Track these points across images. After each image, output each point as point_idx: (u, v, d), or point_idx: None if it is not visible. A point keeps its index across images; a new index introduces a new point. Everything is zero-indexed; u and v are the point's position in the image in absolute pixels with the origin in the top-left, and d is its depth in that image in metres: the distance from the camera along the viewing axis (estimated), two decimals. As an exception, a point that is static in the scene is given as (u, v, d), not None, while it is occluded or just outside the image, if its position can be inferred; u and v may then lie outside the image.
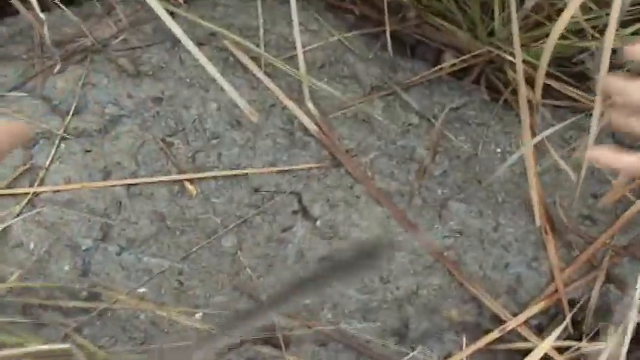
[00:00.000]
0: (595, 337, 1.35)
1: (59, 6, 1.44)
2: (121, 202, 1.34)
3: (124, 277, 1.30)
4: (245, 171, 1.38)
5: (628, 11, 1.32)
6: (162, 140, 1.39)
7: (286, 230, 1.35)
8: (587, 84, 1.53)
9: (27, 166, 1.34)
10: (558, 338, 1.28)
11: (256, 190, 1.37)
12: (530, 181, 1.39)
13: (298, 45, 1.43)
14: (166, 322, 1.28)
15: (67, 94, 1.41)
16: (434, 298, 1.34)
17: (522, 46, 1.32)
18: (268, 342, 1.30)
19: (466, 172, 1.43)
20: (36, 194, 1.33)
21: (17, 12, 1.42)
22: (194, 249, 1.32)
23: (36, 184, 1.33)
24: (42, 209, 1.32)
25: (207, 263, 1.32)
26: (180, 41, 1.25)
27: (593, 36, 1.42)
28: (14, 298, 1.25)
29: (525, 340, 1.33)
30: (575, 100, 1.51)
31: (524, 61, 1.33)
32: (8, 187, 1.32)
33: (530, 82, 1.41)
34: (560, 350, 1.30)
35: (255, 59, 1.46)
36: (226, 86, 1.26)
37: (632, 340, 1.18)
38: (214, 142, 1.40)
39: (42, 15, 1.37)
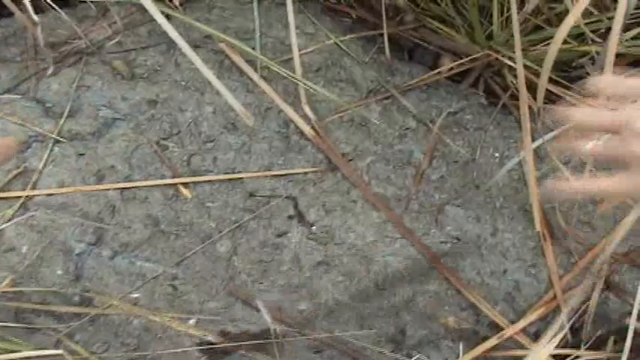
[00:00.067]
0: (594, 344, 1.34)
1: (53, 8, 1.43)
2: (114, 206, 1.33)
3: (117, 281, 1.29)
4: (240, 175, 1.37)
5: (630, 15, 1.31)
6: (157, 143, 1.38)
7: (282, 235, 1.34)
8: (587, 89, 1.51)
9: (20, 169, 1.33)
10: (557, 346, 1.27)
11: (251, 195, 1.36)
12: (530, 187, 1.38)
13: (294, 48, 1.42)
14: (160, 328, 1.26)
15: (61, 97, 1.40)
16: (430, 305, 1.32)
17: (521, 50, 1.30)
18: (263, 348, 1.28)
19: (464, 176, 1.41)
20: (29, 198, 1.31)
21: (11, 14, 1.41)
22: (188, 254, 1.31)
23: (29, 187, 1.32)
24: (35, 213, 1.30)
25: (201, 268, 1.31)
26: (175, 44, 1.23)
27: (593, 40, 1.41)
28: (6, 303, 1.24)
29: (523, 347, 1.31)
30: (574, 104, 1.49)
31: (523, 66, 1.32)
32: (1, 190, 1.31)
33: (529, 86, 1.40)
34: (559, 358, 1.29)
35: (251, 62, 1.45)
36: (222, 89, 1.25)
37: (631, 349, 1.17)
38: (209, 145, 1.39)
39: (35, 17, 1.36)
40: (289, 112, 1.42)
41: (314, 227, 1.35)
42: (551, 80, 1.48)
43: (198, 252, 1.32)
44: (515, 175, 1.42)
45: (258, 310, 1.28)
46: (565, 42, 1.44)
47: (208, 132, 1.40)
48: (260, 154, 1.39)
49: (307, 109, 1.42)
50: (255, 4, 1.51)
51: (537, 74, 1.46)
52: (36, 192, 1.32)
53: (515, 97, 1.51)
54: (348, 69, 1.50)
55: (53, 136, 1.36)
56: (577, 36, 1.45)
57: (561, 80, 1.50)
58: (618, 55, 1.30)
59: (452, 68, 1.53)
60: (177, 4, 1.48)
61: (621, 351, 1.20)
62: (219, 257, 1.32)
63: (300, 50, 1.44)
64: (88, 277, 1.28)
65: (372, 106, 1.46)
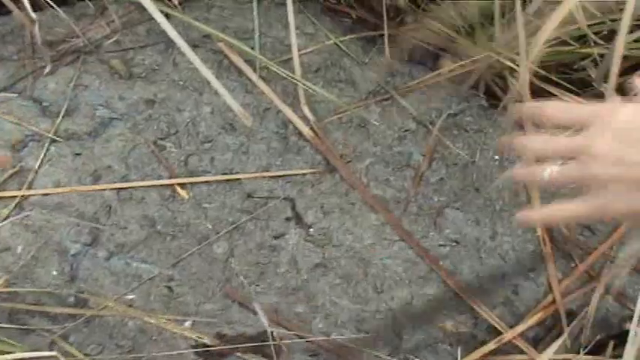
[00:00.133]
0: (593, 349, 1.33)
1: (51, 6, 1.42)
2: (110, 207, 1.32)
3: (113, 282, 1.28)
4: (238, 176, 1.36)
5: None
6: (154, 144, 1.37)
7: (279, 237, 1.33)
8: (589, 91, 1.50)
9: (16, 168, 1.32)
10: (556, 351, 1.26)
11: (249, 196, 1.35)
12: (530, 190, 1.37)
13: (294, 48, 1.41)
14: (155, 330, 1.25)
15: (58, 96, 1.40)
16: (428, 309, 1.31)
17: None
18: (259, 351, 1.27)
19: (463, 179, 1.40)
20: (24, 197, 1.30)
21: (9, 12, 1.40)
22: (185, 255, 1.30)
23: (24, 187, 1.31)
24: (30, 213, 1.29)
25: (197, 270, 1.30)
26: (174, 43, 1.22)
27: (595, 42, 1.40)
28: (0, 304, 1.23)
29: (522, 352, 1.30)
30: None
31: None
32: (-4, 189, 1.30)
33: (530, 88, 1.39)
34: (558, 363, 1.29)
35: (250, 62, 1.45)
36: (220, 89, 1.24)
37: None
38: (207, 145, 1.38)
39: (34, 14, 1.35)
40: (288, 112, 1.41)
41: (312, 229, 1.34)
42: (552, 82, 1.48)
43: (194, 253, 1.31)
44: (515, 178, 1.41)
45: (254, 313, 1.27)
46: (567, 44, 1.43)
47: (206, 132, 1.39)
48: (258, 154, 1.38)
49: (306, 110, 1.41)
50: (254, 3, 1.50)
51: (538, 76, 1.45)
52: (32, 192, 1.31)
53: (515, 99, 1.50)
54: (348, 70, 1.49)
55: (50, 135, 1.35)
56: (579, 38, 1.44)
57: (563, 82, 1.49)
58: (623, 58, 1.29)
59: (452, 70, 1.52)
60: (176, 3, 1.47)
61: (621, 356, 1.18)
62: (215, 259, 1.31)
63: (299, 50, 1.43)
64: (83, 277, 1.27)
65: (371, 107, 1.45)
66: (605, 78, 1.35)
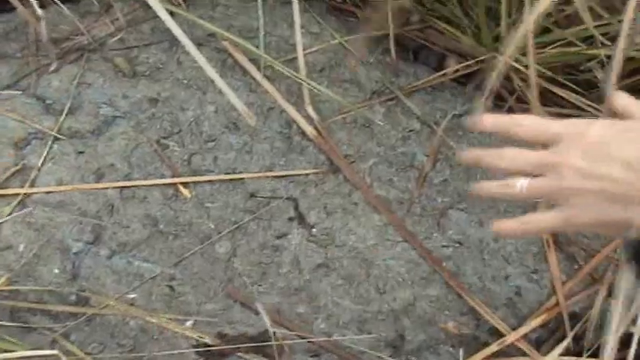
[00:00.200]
0: (596, 352, 1.32)
1: (56, 3, 1.42)
2: (113, 205, 1.32)
3: (114, 281, 1.28)
4: (241, 175, 1.36)
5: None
6: (157, 142, 1.37)
7: (282, 237, 1.33)
8: (595, 92, 1.50)
9: (18, 166, 1.32)
10: (559, 353, 1.26)
11: (252, 195, 1.35)
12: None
13: (299, 47, 1.41)
14: (156, 329, 1.25)
15: (62, 94, 1.40)
16: (431, 310, 1.31)
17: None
18: (260, 351, 1.27)
19: (467, 180, 1.40)
20: (27, 195, 1.31)
21: (13, 8, 1.40)
22: (187, 254, 1.30)
23: (27, 185, 1.31)
24: (32, 211, 1.29)
25: (199, 269, 1.30)
26: (178, 41, 1.22)
27: (602, 43, 1.39)
28: (2, 302, 1.23)
29: (524, 354, 1.30)
30: (581, 109, 1.48)
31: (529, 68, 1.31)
32: (-2, 187, 1.30)
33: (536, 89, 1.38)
34: (560, 365, 1.28)
35: (255, 61, 1.44)
36: (224, 88, 1.24)
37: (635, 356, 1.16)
38: (210, 145, 1.38)
39: (40, 11, 1.35)
40: (292, 112, 1.41)
41: (314, 229, 1.34)
42: (558, 83, 1.47)
43: (196, 253, 1.31)
44: (519, 179, 1.41)
45: (256, 313, 1.27)
46: (573, 45, 1.42)
47: (209, 131, 1.39)
48: (261, 154, 1.38)
49: (310, 110, 1.41)
50: (259, 2, 1.50)
51: (544, 77, 1.45)
52: (34, 189, 1.31)
53: (521, 100, 1.49)
54: (353, 69, 1.49)
55: (53, 133, 1.35)
56: (585, 39, 1.43)
57: (569, 84, 1.48)
58: (628, 59, 1.28)
59: (457, 70, 1.52)
60: (180, 1, 1.47)
61: (624, 359, 1.18)
62: (218, 258, 1.31)
63: (304, 50, 1.42)
64: (85, 276, 1.27)
65: (375, 107, 1.45)
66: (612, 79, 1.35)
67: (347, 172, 1.37)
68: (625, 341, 1.18)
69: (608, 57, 1.42)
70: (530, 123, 0.89)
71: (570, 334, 1.31)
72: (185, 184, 1.34)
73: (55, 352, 1.14)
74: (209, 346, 1.25)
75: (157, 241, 1.30)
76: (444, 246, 1.35)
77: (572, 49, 1.43)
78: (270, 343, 1.25)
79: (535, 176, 0.86)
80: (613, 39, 1.40)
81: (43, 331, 1.24)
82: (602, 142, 0.81)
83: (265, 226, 1.33)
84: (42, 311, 1.25)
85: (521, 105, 1.46)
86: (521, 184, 0.86)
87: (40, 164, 1.33)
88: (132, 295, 1.27)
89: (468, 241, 1.36)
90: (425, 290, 1.31)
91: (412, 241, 1.34)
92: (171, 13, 1.31)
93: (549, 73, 1.45)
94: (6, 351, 1.15)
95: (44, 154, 1.33)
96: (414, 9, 1.55)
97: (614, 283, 1.35)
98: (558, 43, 1.45)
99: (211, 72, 1.23)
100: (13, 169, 1.31)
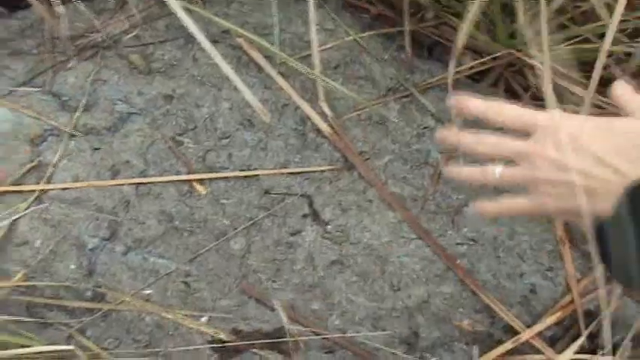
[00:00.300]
0: (610, 350, 1.32)
1: (72, 0, 1.42)
2: (129, 202, 1.32)
3: (130, 277, 1.28)
4: (256, 172, 1.36)
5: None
6: (172, 139, 1.37)
7: (296, 234, 1.33)
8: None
9: (34, 163, 1.33)
10: (574, 351, 1.26)
11: (266, 192, 1.35)
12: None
13: (314, 44, 1.41)
14: (172, 325, 1.26)
15: (77, 91, 1.40)
16: (445, 307, 1.31)
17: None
18: (275, 347, 1.27)
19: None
20: (43, 192, 1.31)
21: (28, 5, 1.40)
22: (202, 251, 1.31)
23: (43, 181, 1.31)
24: (49, 207, 1.30)
25: (214, 265, 1.30)
26: (193, 38, 1.22)
27: (620, 40, 1.39)
28: (19, 297, 1.24)
29: (539, 352, 1.30)
30: (598, 106, 1.47)
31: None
32: (15, 184, 1.31)
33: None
34: (575, 364, 1.28)
35: (269, 58, 1.44)
36: (240, 85, 1.23)
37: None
38: (225, 141, 1.38)
39: (61, 8, 1.35)
40: (306, 109, 1.41)
41: (329, 226, 1.34)
42: (574, 80, 1.46)
43: (211, 249, 1.31)
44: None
45: (271, 309, 1.27)
46: (590, 41, 1.42)
47: (224, 128, 1.39)
48: (276, 151, 1.38)
49: (325, 107, 1.41)
50: (274, -2, 1.50)
51: (559, 74, 1.44)
52: (50, 186, 1.31)
53: (535, 97, 1.49)
54: (368, 66, 1.49)
55: (68, 130, 1.35)
56: (602, 35, 1.42)
57: (584, 81, 1.48)
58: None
59: (472, 67, 1.51)
60: (195, -3, 1.47)
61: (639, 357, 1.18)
62: (232, 255, 1.31)
63: (319, 46, 1.42)
64: (101, 272, 1.28)
65: (390, 104, 1.45)
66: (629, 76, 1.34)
67: (361, 169, 1.37)
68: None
69: (626, 54, 1.42)
70: (510, 111, 0.94)
71: (585, 332, 1.30)
72: (200, 181, 1.35)
73: (71, 347, 1.15)
74: (224, 342, 1.25)
75: (173, 237, 1.31)
76: (458, 243, 1.35)
77: (589, 45, 1.43)
78: (284, 339, 1.25)
79: (509, 163, 0.93)
80: (630, 35, 1.40)
81: (59, 327, 1.24)
82: (577, 136, 0.85)
83: (280, 222, 1.34)
84: (58, 307, 1.25)
85: (536, 102, 1.45)
86: (496, 170, 0.95)
87: (56, 161, 1.33)
88: (147, 291, 1.28)
89: (482, 238, 1.35)
90: (439, 287, 1.31)
91: (426, 238, 1.34)
92: (187, 10, 1.31)
93: (564, 70, 1.45)
94: (22, 346, 1.16)
95: (60, 151, 1.34)
96: (430, 5, 1.55)
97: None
98: (574, 40, 1.45)
99: (226, 68, 1.23)
100: (29, 166, 1.32)
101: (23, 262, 1.26)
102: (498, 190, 1.00)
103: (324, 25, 1.51)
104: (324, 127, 1.39)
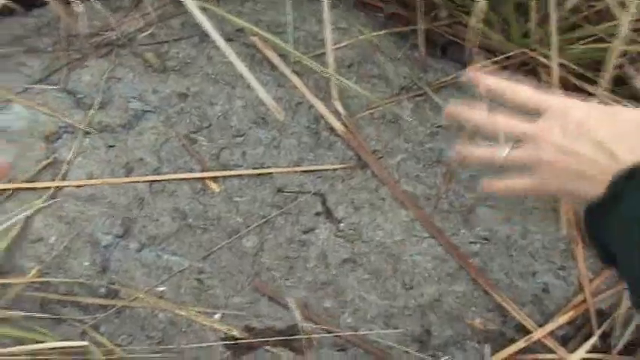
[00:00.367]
0: (623, 349, 1.32)
1: (88, -2, 1.44)
2: (143, 199, 1.33)
3: (144, 274, 1.29)
4: (269, 170, 1.36)
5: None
6: (186, 137, 1.38)
7: (309, 232, 1.34)
8: (625, 89, 1.49)
9: (49, 160, 1.33)
10: (586, 351, 1.26)
11: (280, 190, 1.35)
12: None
13: (328, 43, 1.41)
14: (185, 322, 1.26)
15: (92, 88, 1.41)
16: (457, 306, 1.31)
17: (558, 48, 1.29)
18: (287, 345, 1.28)
19: (495, 176, 1.39)
20: (58, 189, 1.32)
21: (44, 3, 1.41)
22: (215, 248, 1.31)
23: (58, 178, 1.32)
24: (63, 204, 1.31)
25: (227, 263, 1.31)
26: (207, 36, 1.23)
27: (634, 40, 1.39)
28: (33, 293, 1.25)
29: (551, 351, 1.30)
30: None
31: (559, 65, 1.30)
32: (30, 181, 1.32)
33: (564, 85, 1.38)
34: (587, 363, 1.28)
35: (283, 56, 1.45)
36: (253, 83, 1.24)
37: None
38: (239, 139, 1.38)
39: (80, 6, 1.36)
40: (320, 107, 1.41)
41: (342, 224, 1.34)
42: (587, 79, 1.46)
43: (224, 247, 1.31)
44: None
45: (283, 307, 1.28)
46: (604, 41, 1.42)
47: (238, 126, 1.39)
48: (289, 149, 1.38)
49: (338, 105, 1.41)
50: (288, -3, 1.50)
51: (574, 73, 1.44)
52: (65, 183, 1.32)
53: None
54: (381, 65, 1.49)
55: (83, 127, 1.36)
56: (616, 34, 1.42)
57: (598, 80, 1.47)
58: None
59: (485, 66, 1.51)
60: (210, -4, 1.48)
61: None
62: (245, 252, 1.31)
63: (333, 45, 1.42)
64: (115, 269, 1.29)
65: (403, 103, 1.45)
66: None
67: (375, 167, 1.37)
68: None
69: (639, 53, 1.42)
70: (525, 92, 0.97)
71: (597, 332, 1.30)
72: (214, 179, 1.35)
73: (85, 343, 1.16)
74: (237, 339, 1.26)
75: (186, 234, 1.32)
76: (471, 242, 1.35)
77: (603, 45, 1.43)
78: (297, 337, 1.26)
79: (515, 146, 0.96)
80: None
81: (73, 323, 1.25)
82: (583, 121, 0.88)
83: (293, 220, 1.34)
84: (72, 303, 1.26)
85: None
86: (503, 150, 0.97)
87: (70, 158, 1.34)
88: (161, 288, 1.28)
89: (495, 237, 1.36)
90: (451, 286, 1.32)
91: (439, 237, 1.34)
92: (202, 9, 1.32)
93: (579, 69, 1.45)
94: (37, 342, 1.17)
95: (75, 148, 1.35)
96: (443, 4, 1.55)
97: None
98: (588, 39, 1.45)
99: (241, 67, 1.23)
100: (44, 163, 1.33)
101: (38, 259, 1.27)
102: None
103: (338, 24, 1.51)
104: (337, 125, 1.40)
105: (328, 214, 1.35)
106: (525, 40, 1.49)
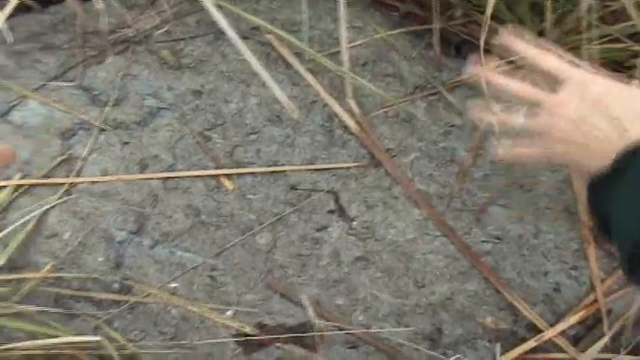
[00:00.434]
0: (634, 349, 1.32)
1: (104, -5, 1.44)
2: (157, 196, 1.34)
3: (157, 270, 1.30)
4: (283, 168, 1.37)
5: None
6: (201, 134, 1.38)
7: (322, 230, 1.34)
8: None
9: (64, 156, 1.34)
10: (598, 350, 1.26)
11: (293, 188, 1.36)
12: (575, 188, 1.36)
13: (343, 41, 1.41)
14: (197, 318, 1.27)
15: (107, 85, 1.42)
16: (469, 304, 1.31)
17: (573, 48, 1.28)
18: (299, 341, 1.28)
19: (508, 176, 1.40)
20: (73, 185, 1.33)
21: (61, 0, 1.42)
22: (228, 245, 1.32)
23: (73, 174, 1.33)
24: (78, 200, 1.32)
25: (240, 260, 1.31)
26: (223, 34, 1.23)
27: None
28: (47, 288, 1.26)
29: (562, 350, 1.30)
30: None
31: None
32: (45, 176, 1.33)
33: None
34: (598, 363, 1.28)
35: (298, 55, 1.45)
36: (268, 81, 1.25)
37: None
38: (253, 137, 1.39)
39: (101, 3, 1.37)
40: (334, 105, 1.41)
41: (354, 222, 1.34)
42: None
43: (237, 244, 1.32)
44: (560, 175, 1.40)
45: (295, 304, 1.28)
46: (619, 41, 1.41)
47: (252, 124, 1.40)
48: (303, 147, 1.39)
49: (352, 103, 1.41)
50: (303, -5, 1.50)
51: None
52: (80, 179, 1.33)
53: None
54: (396, 64, 1.49)
55: (98, 124, 1.37)
56: (631, 35, 1.42)
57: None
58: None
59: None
60: (226, -6, 1.48)
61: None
62: (258, 250, 1.32)
63: (347, 44, 1.43)
64: (129, 265, 1.29)
65: (417, 102, 1.45)
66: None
67: (388, 166, 1.38)
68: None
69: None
70: (553, 61, 0.99)
71: (609, 332, 1.30)
72: (228, 176, 1.36)
73: (98, 338, 1.17)
74: (249, 335, 1.27)
75: (199, 231, 1.32)
76: (483, 241, 1.35)
77: (618, 45, 1.42)
78: (309, 334, 1.26)
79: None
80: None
81: (86, 318, 1.26)
82: (602, 97, 0.89)
83: (306, 218, 1.34)
84: (86, 298, 1.27)
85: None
86: (520, 115, 1.00)
87: (85, 154, 1.35)
88: (174, 285, 1.29)
89: (507, 236, 1.36)
90: (463, 285, 1.32)
91: (451, 235, 1.34)
92: (217, 6, 1.32)
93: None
94: (50, 336, 1.18)
95: (90, 145, 1.36)
96: (458, 4, 1.55)
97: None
98: (604, 39, 1.45)
99: (256, 65, 1.24)
100: (59, 159, 1.34)
101: (52, 254, 1.28)
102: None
103: (353, 23, 1.52)
104: (351, 124, 1.40)
105: (341, 212, 1.35)
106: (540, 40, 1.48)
